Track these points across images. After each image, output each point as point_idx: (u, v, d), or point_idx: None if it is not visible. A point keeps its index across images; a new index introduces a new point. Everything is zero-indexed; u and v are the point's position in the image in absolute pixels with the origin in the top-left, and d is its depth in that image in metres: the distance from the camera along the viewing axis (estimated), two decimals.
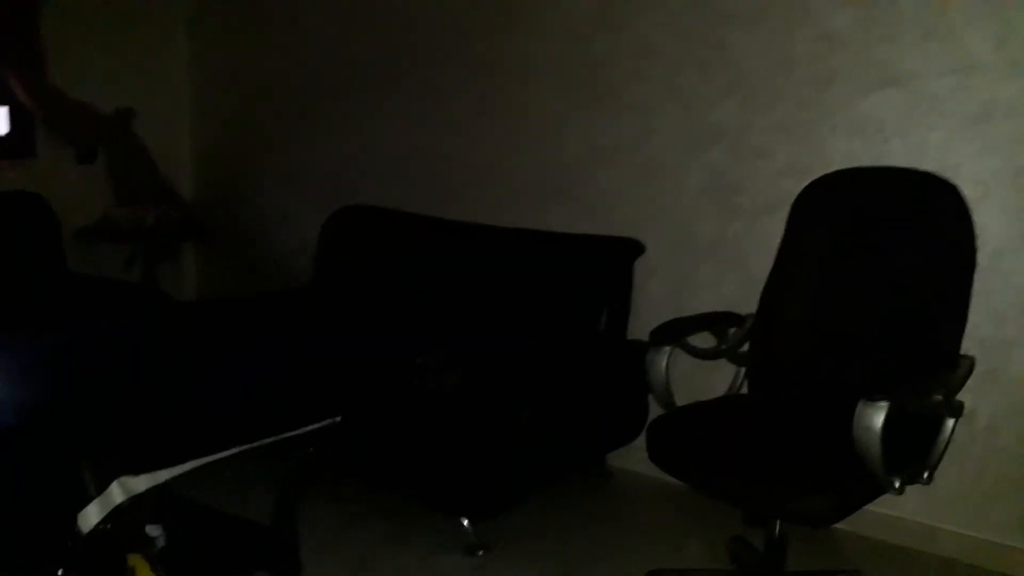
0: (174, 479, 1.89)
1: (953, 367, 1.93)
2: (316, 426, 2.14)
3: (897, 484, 1.79)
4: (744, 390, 2.34)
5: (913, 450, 1.91)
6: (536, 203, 3.26)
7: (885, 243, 2.08)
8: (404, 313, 3.12)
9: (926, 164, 2.29)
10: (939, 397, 1.88)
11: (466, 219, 3.32)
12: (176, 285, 4.46)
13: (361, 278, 3.39)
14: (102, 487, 1.72)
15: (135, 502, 1.79)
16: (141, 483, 1.77)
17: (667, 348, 2.16)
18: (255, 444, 1.98)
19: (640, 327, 2.48)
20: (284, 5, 4.04)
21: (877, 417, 1.66)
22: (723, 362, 2.39)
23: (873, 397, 1.66)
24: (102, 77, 4.12)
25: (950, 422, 1.94)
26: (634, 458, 2.92)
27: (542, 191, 3.26)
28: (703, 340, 2.37)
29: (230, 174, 4.51)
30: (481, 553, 2.47)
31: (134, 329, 2.44)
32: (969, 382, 2.34)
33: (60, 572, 1.94)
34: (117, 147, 4.27)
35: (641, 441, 2.16)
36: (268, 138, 4.25)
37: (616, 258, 2.97)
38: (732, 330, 2.35)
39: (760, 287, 2.35)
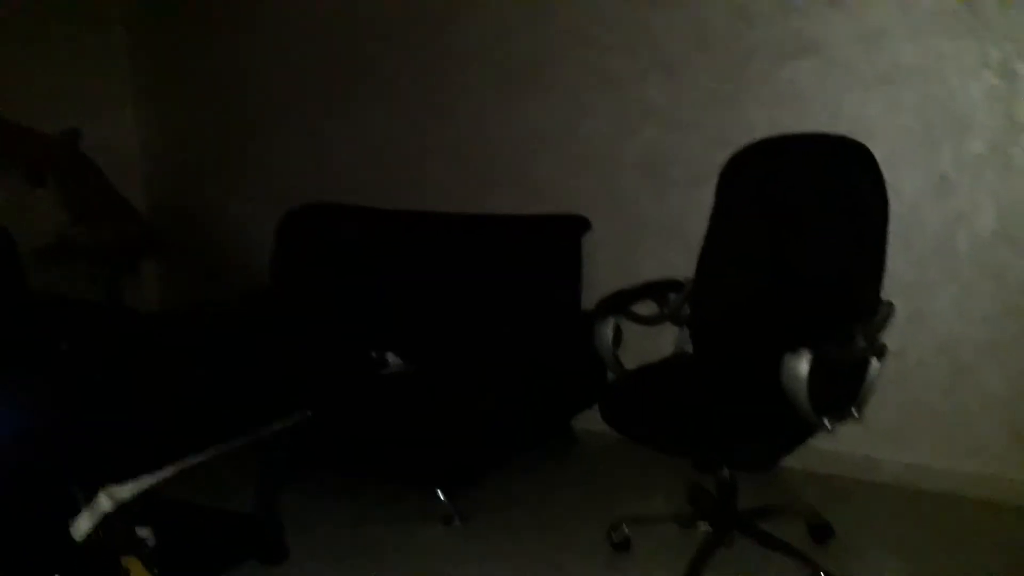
0: (158, 482, 2.01)
1: (873, 313, 2.09)
2: (289, 421, 2.26)
3: (827, 423, 1.95)
4: (689, 349, 2.49)
5: (842, 391, 2.07)
6: (484, 188, 3.39)
7: (805, 204, 2.23)
8: (362, 303, 3.22)
9: (842, 126, 2.45)
10: (862, 342, 2.03)
11: (416, 207, 3.42)
12: (138, 299, 4.50)
13: (317, 274, 3.47)
14: (90, 497, 1.82)
15: (123, 508, 1.90)
16: (127, 490, 1.88)
17: (611, 319, 2.30)
18: (233, 443, 2.10)
19: (593, 297, 2.61)
20: (227, 12, 4.07)
21: (802, 366, 1.81)
22: (668, 325, 2.54)
23: (796, 348, 1.82)
24: (44, 97, 4.13)
25: (875, 363, 2.11)
26: (596, 419, 3.08)
27: (488, 177, 3.38)
28: (648, 307, 2.53)
29: (183, 185, 4.55)
30: (458, 522, 2.61)
31: (102, 346, 2.53)
32: (898, 324, 2.53)
33: None
34: (66, 168, 4.28)
35: (599, 412, 2.30)
36: (218, 145, 4.30)
37: (566, 235, 3.10)
38: (673, 295, 2.49)
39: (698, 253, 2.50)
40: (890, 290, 2.24)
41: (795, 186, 2.25)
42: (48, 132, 4.13)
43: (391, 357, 2.79)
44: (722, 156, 2.47)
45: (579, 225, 3.08)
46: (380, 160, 3.70)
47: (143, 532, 2.23)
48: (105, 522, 1.87)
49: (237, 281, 4.21)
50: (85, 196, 4.25)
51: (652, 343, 2.72)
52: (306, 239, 3.58)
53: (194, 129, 4.41)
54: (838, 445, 2.76)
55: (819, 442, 2.72)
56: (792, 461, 2.80)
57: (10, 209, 3.81)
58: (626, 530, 2.40)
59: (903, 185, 2.50)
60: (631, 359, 2.40)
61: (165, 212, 4.58)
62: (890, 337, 2.43)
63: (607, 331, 2.29)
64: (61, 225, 4.18)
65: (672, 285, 2.50)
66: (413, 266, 3.21)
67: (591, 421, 3.15)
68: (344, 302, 3.27)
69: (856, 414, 2.11)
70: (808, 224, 2.20)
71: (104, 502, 1.83)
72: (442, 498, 2.63)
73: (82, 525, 1.81)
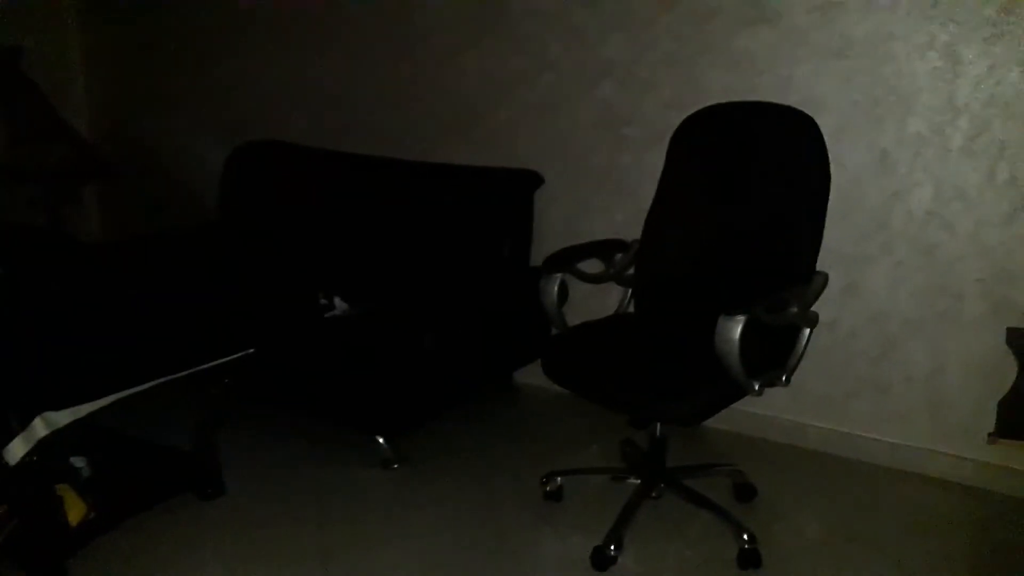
0: (96, 412, 2.00)
1: (808, 282, 2.16)
2: (231, 357, 2.26)
3: (757, 387, 2.02)
4: (631, 309, 2.55)
5: (773, 356, 2.15)
6: (437, 137, 3.37)
7: (750, 172, 2.27)
8: (310, 245, 3.20)
9: (793, 97, 2.50)
10: (795, 309, 2.10)
11: (369, 153, 3.39)
12: (79, 227, 4.41)
13: (266, 212, 3.43)
14: (25, 423, 1.81)
15: (59, 435, 1.90)
16: (63, 417, 1.88)
17: (558, 275, 2.34)
18: (173, 376, 2.10)
19: (542, 253, 2.64)
20: None
21: (735, 329, 1.88)
22: (613, 284, 2.59)
23: (731, 312, 1.88)
24: None
25: (806, 331, 2.19)
26: (538, 374, 3.13)
27: (442, 125, 3.36)
28: (594, 266, 2.57)
29: (127, 112, 4.43)
30: (397, 466, 2.66)
31: (43, 272, 2.49)
32: (832, 295, 2.63)
33: None
34: (7, 86, 4.13)
35: (541, 364, 2.34)
36: (165, 74, 4.19)
37: (518, 189, 3.12)
38: (619, 255, 2.54)
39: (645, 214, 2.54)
40: (828, 262, 2.31)
41: (742, 153, 2.28)
42: None
43: (338, 301, 2.80)
44: (675, 118, 2.49)
45: (532, 180, 3.10)
46: (334, 102, 3.64)
47: (78, 461, 2.24)
48: (40, 448, 1.87)
49: (178, 215, 4.15)
50: (26, 117, 4.13)
51: (596, 303, 2.79)
52: (255, 176, 3.52)
53: (140, 55, 4.28)
54: (768, 410, 2.87)
55: (750, 406, 2.83)
56: (723, 424, 2.91)
57: None
58: (559, 481, 2.47)
59: (847, 159, 2.56)
60: (576, 317, 2.45)
61: (108, 139, 4.46)
62: (825, 307, 2.52)
63: (553, 287, 2.33)
64: (2, 147, 4.06)
65: (619, 245, 2.55)
66: (363, 211, 3.19)
67: (533, 375, 3.21)
68: (292, 242, 3.24)
69: (785, 380, 2.18)
70: (751, 192, 2.25)
71: (39, 428, 1.82)
72: (382, 442, 2.67)
73: (16, 450, 1.80)
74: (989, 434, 1.50)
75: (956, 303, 2.52)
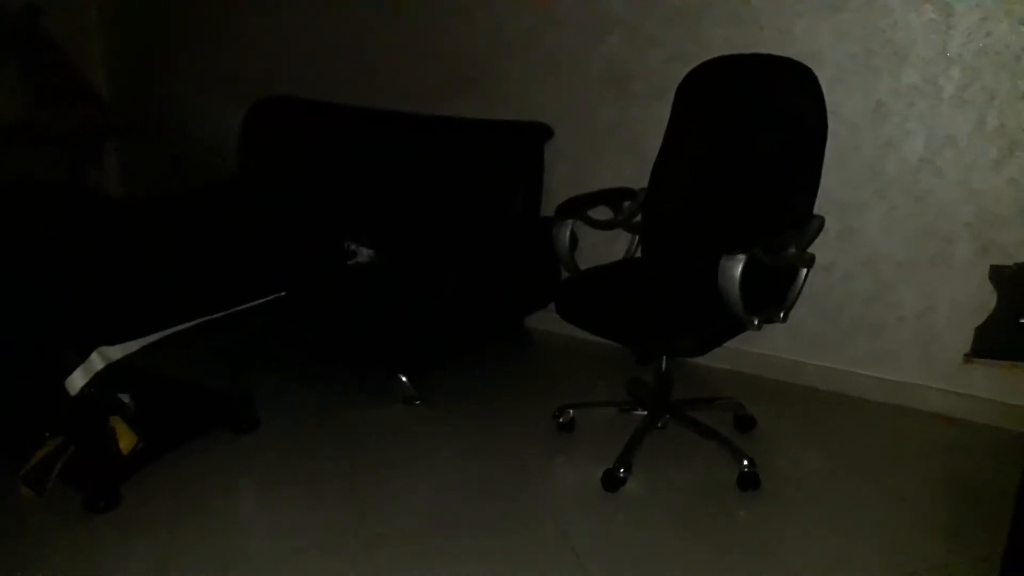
0: (140, 354, 2.17)
1: (805, 225, 2.30)
2: (263, 300, 2.42)
3: (756, 322, 2.17)
4: (638, 255, 2.69)
5: (771, 294, 2.29)
6: (449, 93, 3.48)
7: (751, 121, 2.40)
8: (331, 197, 3.34)
9: (792, 50, 2.60)
10: (792, 250, 2.25)
11: (383, 108, 3.50)
12: (101, 185, 4.55)
13: (285, 167, 3.56)
14: (84, 356, 1.98)
15: (112, 369, 2.06)
16: (116, 352, 2.05)
17: (569, 221, 2.49)
18: (212, 316, 2.26)
19: (553, 206, 2.77)
20: None
21: (735, 268, 2.02)
22: (621, 232, 2.73)
23: (732, 251, 2.02)
24: None
25: (803, 271, 2.33)
26: (549, 320, 3.29)
27: (454, 80, 3.48)
28: (602, 213, 2.71)
29: (145, 70, 4.54)
30: (419, 403, 2.83)
31: (83, 226, 2.64)
32: (828, 239, 2.77)
33: (46, 435, 2.22)
34: (28, 46, 4.25)
35: (554, 305, 2.49)
36: (181, 32, 4.28)
37: (528, 141, 3.23)
38: (627, 203, 2.67)
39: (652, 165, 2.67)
40: (825, 207, 2.44)
41: (744, 103, 2.41)
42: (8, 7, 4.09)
43: (362, 249, 2.94)
44: (679, 72, 2.61)
45: (542, 133, 3.21)
46: (348, 58, 3.75)
47: (125, 398, 2.41)
48: (95, 382, 2.04)
49: (198, 171, 4.27)
50: (47, 77, 4.25)
51: (605, 250, 2.93)
52: (273, 132, 3.64)
53: (156, 13, 4.36)
54: (767, 349, 3.03)
55: (750, 346, 2.99)
56: (724, 363, 3.07)
57: None
58: (571, 413, 2.64)
59: (844, 109, 2.68)
60: (586, 263, 2.59)
61: (126, 98, 4.58)
62: (822, 251, 2.67)
63: (565, 233, 2.48)
64: (24, 107, 4.19)
65: (627, 193, 2.68)
66: (380, 164, 3.31)
67: (543, 322, 3.37)
68: (311, 194, 3.37)
69: (783, 316, 2.33)
70: (753, 140, 2.38)
71: (96, 361, 1.99)
72: (404, 381, 2.84)
73: (76, 381, 1.97)
74: (965, 355, 1.64)
75: (946, 246, 2.66)
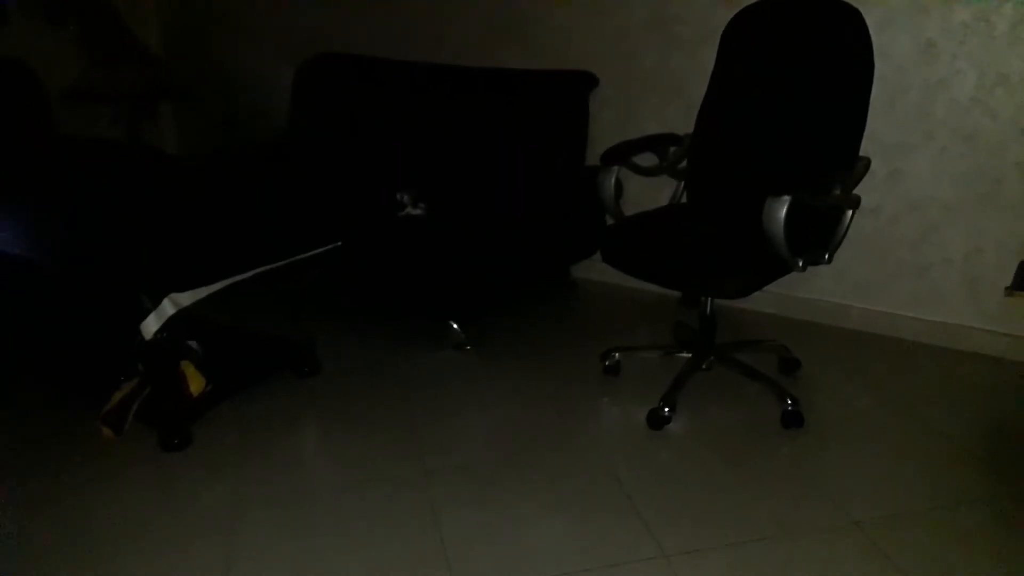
0: (208, 302, 2.29)
1: (851, 167, 2.31)
2: (321, 250, 2.52)
3: (801, 263, 2.20)
4: (683, 201, 2.73)
5: (816, 236, 2.32)
6: (494, 43, 3.51)
7: (798, 63, 2.40)
8: (382, 152, 3.41)
9: None
10: (837, 192, 2.26)
11: (429, 60, 3.55)
12: (158, 144, 4.69)
13: (336, 123, 3.63)
14: (157, 302, 2.10)
15: (182, 315, 2.19)
16: (186, 298, 2.17)
17: (615, 168, 2.53)
18: (274, 265, 2.37)
19: (597, 153, 2.81)
20: None
21: (780, 209, 2.05)
22: (665, 178, 2.76)
23: (777, 193, 2.05)
24: None
25: (848, 213, 2.34)
26: (594, 269, 3.36)
27: (499, 31, 3.50)
28: (648, 160, 2.74)
29: (198, 30, 4.63)
30: (469, 348, 2.92)
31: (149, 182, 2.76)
32: (875, 182, 2.77)
33: (122, 378, 2.36)
34: (84, 7, 4.35)
35: (600, 255, 2.54)
36: None
37: (573, 90, 3.25)
38: (672, 149, 2.70)
39: (697, 111, 2.68)
40: (872, 150, 2.44)
41: (789, 45, 2.41)
42: None
43: (413, 200, 3.01)
44: (724, 16, 2.60)
45: (587, 81, 3.23)
46: (395, 13, 3.79)
47: (193, 344, 2.54)
48: (167, 327, 2.16)
49: (252, 128, 4.37)
50: (104, 38, 4.36)
51: (649, 197, 2.97)
52: (324, 88, 3.71)
53: None
54: (812, 293, 3.05)
55: (795, 290, 3.02)
56: (769, 307, 3.11)
57: (32, 54, 3.92)
58: (617, 357, 2.71)
59: (892, 49, 2.66)
60: (631, 211, 2.63)
61: (179, 57, 4.68)
62: (869, 194, 2.68)
63: (611, 179, 2.52)
64: (82, 67, 4.32)
65: (672, 139, 2.71)
66: (427, 117, 3.37)
67: (590, 270, 3.43)
68: (362, 148, 3.45)
69: (827, 258, 2.35)
70: (798, 83, 2.38)
71: (168, 307, 2.11)
72: (455, 327, 2.93)
73: (151, 325, 2.09)
74: (1007, 288, 1.66)
75: (995, 187, 2.65)
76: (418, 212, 2.96)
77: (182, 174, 3.00)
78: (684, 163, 2.70)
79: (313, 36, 4.01)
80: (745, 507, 2.03)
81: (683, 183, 2.72)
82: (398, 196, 3.03)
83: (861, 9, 2.31)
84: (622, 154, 2.56)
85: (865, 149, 2.34)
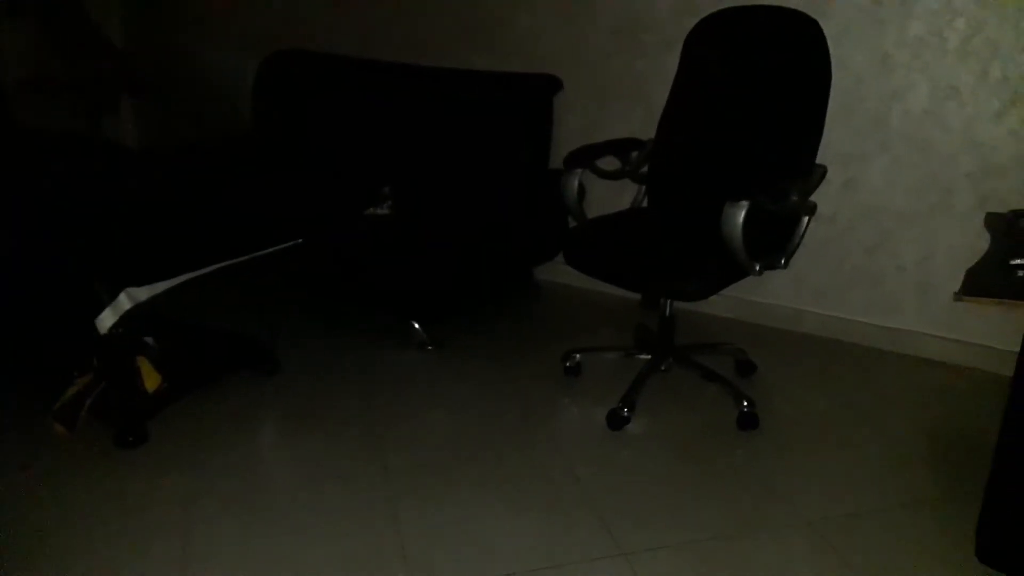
0: (163, 299, 2.26)
1: (808, 174, 2.36)
2: (281, 246, 2.50)
3: (758, 268, 2.24)
4: (645, 205, 2.76)
5: (773, 241, 2.36)
6: (460, 44, 3.52)
7: (757, 72, 2.44)
8: (345, 150, 3.40)
9: (800, 1, 2.64)
10: (794, 198, 2.30)
11: (392, 60, 3.55)
12: (118, 138, 4.61)
13: (299, 120, 3.61)
14: (113, 296, 2.07)
15: (139, 310, 2.16)
16: (143, 292, 2.14)
17: (578, 171, 2.55)
18: (233, 261, 2.35)
19: (562, 157, 2.83)
20: None
21: (739, 215, 2.09)
22: (628, 182, 2.79)
23: (736, 198, 2.09)
24: None
25: (805, 219, 2.39)
26: (557, 271, 3.38)
27: (465, 32, 3.51)
28: (611, 164, 2.76)
29: (160, 23, 4.57)
30: (431, 348, 2.92)
31: (107, 174, 2.72)
32: (832, 190, 2.83)
33: (75, 373, 2.33)
34: None
35: (562, 257, 2.55)
36: None
37: (538, 93, 3.27)
38: (634, 153, 2.73)
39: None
40: (829, 158, 2.49)
41: (750, 54, 2.45)
42: None
43: (379, 201, 3.00)
44: (689, 23, 2.64)
45: (552, 85, 3.25)
46: (360, 11, 3.78)
47: (149, 340, 2.51)
48: (123, 322, 2.13)
49: (215, 123, 4.33)
50: (63, 27, 4.28)
51: (611, 202, 2.99)
52: (286, 85, 3.68)
53: None
54: (769, 298, 3.11)
55: (752, 295, 3.07)
56: (726, 312, 3.16)
57: None
58: (578, 358, 2.73)
59: (850, 61, 2.72)
60: (593, 213, 2.65)
61: (142, 50, 4.61)
62: (825, 202, 2.74)
63: (574, 182, 2.54)
64: (40, 58, 4.24)
65: (635, 144, 2.74)
66: (390, 117, 3.36)
67: (552, 273, 3.45)
68: (326, 146, 3.44)
69: (784, 263, 2.40)
70: (758, 89, 2.42)
71: (124, 301, 2.08)
72: (417, 327, 2.93)
73: (106, 320, 2.06)
74: (955, 292, 1.71)
75: (947, 196, 2.72)
76: (383, 211, 2.95)
77: (141, 168, 2.96)
78: (646, 167, 2.74)
79: (277, 32, 3.98)
80: (702, 506, 2.06)
81: (644, 187, 2.75)
82: (369, 192, 3.01)
83: (820, 20, 2.37)
84: (585, 157, 2.58)
85: (822, 157, 2.39)
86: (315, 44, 3.78)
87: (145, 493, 2.11)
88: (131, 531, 1.96)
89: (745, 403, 2.40)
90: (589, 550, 1.89)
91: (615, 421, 2.39)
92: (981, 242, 2.58)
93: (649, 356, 2.62)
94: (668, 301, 2.53)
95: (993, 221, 2.26)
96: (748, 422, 2.40)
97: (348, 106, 3.46)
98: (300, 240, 2.53)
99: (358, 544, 1.91)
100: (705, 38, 2.57)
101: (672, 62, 2.68)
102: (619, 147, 2.74)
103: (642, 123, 3.04)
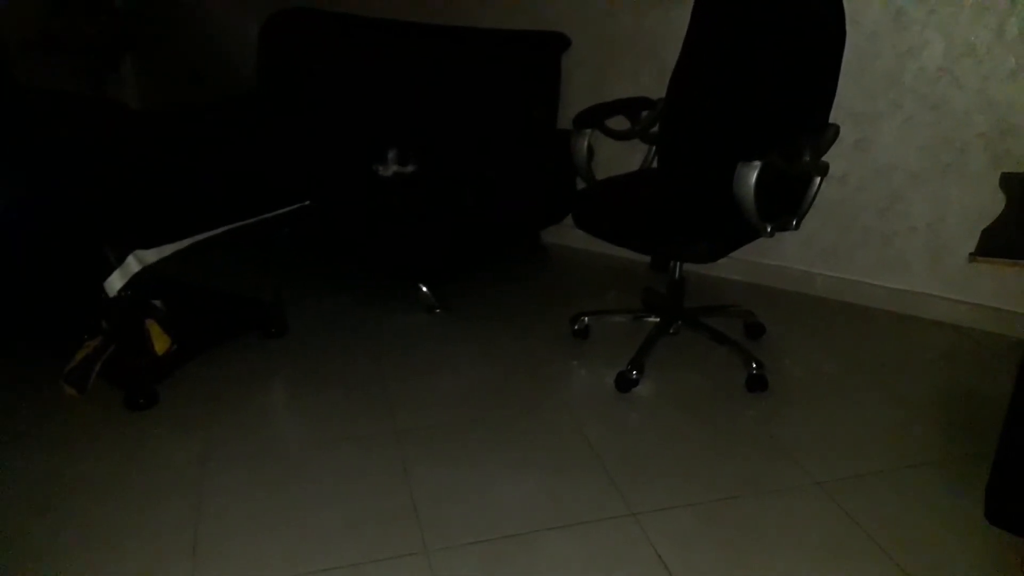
0: (175, 260, 2.26)
1: (820, 133, 2.32)
2: (289, 208, 2.49)
3: (769, 229, 2.22)
4: (655, 165, 2.73)
5: (786, 202, 2.34)
6: (466, 1, 3.46)
7: (769, 29, 2.39)
8: (352, 109, 3.36)
9: None
10: (807, 158, 2.28)
11: (398, 18, 3.49)
12: (119, 97, 4.57)
13: (304, 79, 3.57)
14: (121, 259, 2.06)
15: (147, 272, 2.15)
16: (151, 255, 2.13)
17: (587, 131, 2.52)
18: (241, 223, 2.33)
19: (570, 117, 2.80)
20: None
21: (751, 175, 2.06)
22: (637, 143, 2.76)
23: (748, 158, 2.06)
24: None
25: (817, 180, 2.36)
26: (564, 234, 3.36)
27: None
28: (620, 124, 2.73)
29: None
30: (439, 311, 2.92)
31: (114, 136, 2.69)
32: (842, 150, 2.80)
33: (85, 336, 2.33)
34: None
35: (570, 219, 2.53)
36: None
37: (545, 51, 3.23)
38: (644, 113, 2.70)
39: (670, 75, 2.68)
40: (841, 118, 2.45)
41: (762, 10, 2.40)
42: None
43: (402, 160, 2.96)
44: None
45: (560, 42, 3.21)
46: None
47: (157, 303, 2.51)
48: (132, 284, 2.13)
49: (219, 82, 4.28)
50: None
51: (620, 162, 2.97)
52: (290, 44, 3.63)
53: None
54: (779, 260, 3.09)
55: (762, 257, 3.05)
56: (736, 274, 3.14)
57: None
58: (586, 321, 2.73)
59: (863, 17, 2.67)
60: (602, 174, 2.63)
61: (146, 9, 4.55)
62: (837, 162, 2.71)
63: (583, 142, 2.51)
64: (42, 18, 4.19)
65: (645, 103, 2.70)
66: (396, 75, 3.32)
67: (558, 235, 3.43)
68: (331, 105, 3.40)
69: (795, 224, 2.38)
70: (770, 48, 2.38)
71: (132, 264, 2.07)
72: (425, 290, 2.92)
73: (115, 283, 2.06)
74: (970, 253, 1.69)
75: (960, 156, 2.68)
76: (391, 172, 2.91)
77: (147, 129, 2.93)
78: (656, 127, 2.70)
79: None
80: (710, 467, 2.07)
81: (655, 147, 2.72)
82: (377, 154, 2.97)
83: None
84: (594, 117, 2.54)
85: (834, 116, 2.35)
86: (319, 2, 3.72)
87: (157, 454, 2.13)
88: (143, 491, 1.98)
89: (754, 365, 2.39)
90: (598, 510, 1.90)
91: (624, 383, 2.39)
92: (994, 203, 2.56)
93: (658, 319, 2.61)
94: (677, 263, 2.51)
95: (1008, 181, 2.23)
96: (757, 384, 2.40)
97: (354, 65, 3.42)
98: (307, 202, 2.51)
99: (371, 504, 1.92)
100: None
101: (684, 18, 2.63)
102: (629, 106, 2.70)
103: (653, 81, 3.00)
